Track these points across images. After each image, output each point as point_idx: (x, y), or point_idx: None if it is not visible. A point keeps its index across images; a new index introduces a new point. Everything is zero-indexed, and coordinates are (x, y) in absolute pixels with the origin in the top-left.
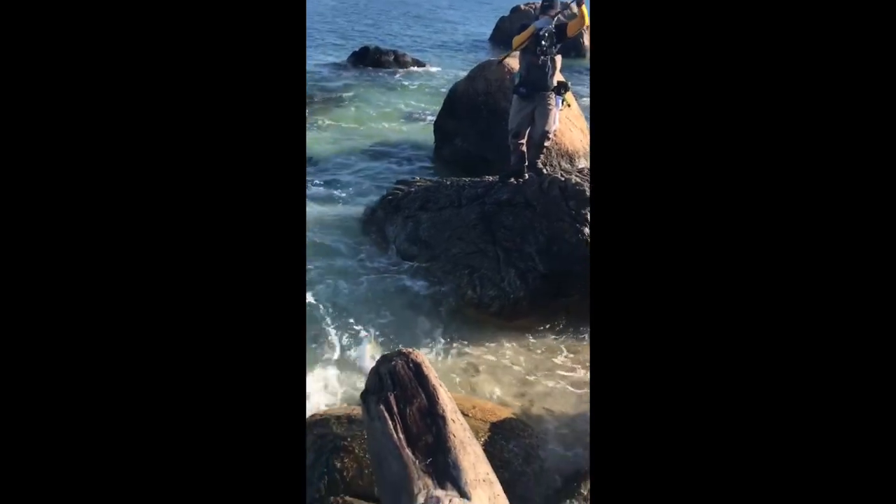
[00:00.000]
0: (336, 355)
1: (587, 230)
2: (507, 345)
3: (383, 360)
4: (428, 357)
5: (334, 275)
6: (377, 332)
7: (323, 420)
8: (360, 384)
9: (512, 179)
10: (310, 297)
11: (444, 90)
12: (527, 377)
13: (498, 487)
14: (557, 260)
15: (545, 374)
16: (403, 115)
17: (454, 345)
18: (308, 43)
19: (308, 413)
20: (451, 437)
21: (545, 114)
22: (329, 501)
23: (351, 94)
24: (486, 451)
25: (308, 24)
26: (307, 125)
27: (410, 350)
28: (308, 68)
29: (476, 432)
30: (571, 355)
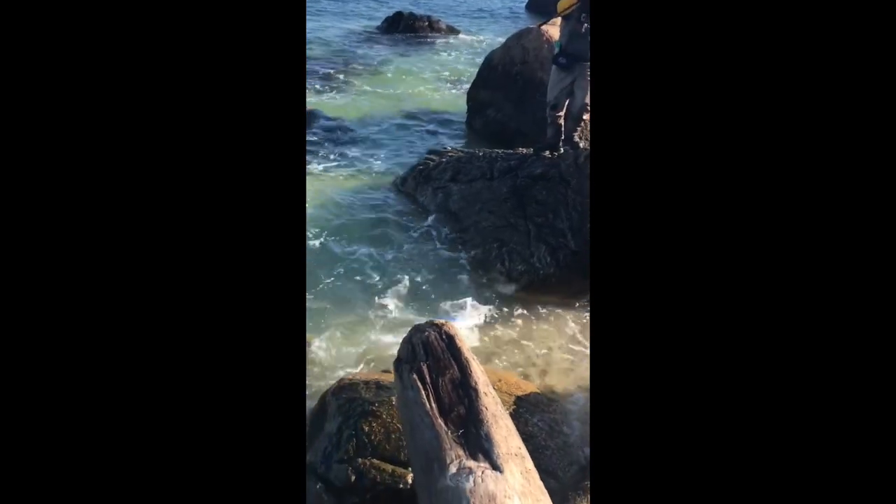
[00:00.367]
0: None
1: None
2: (535, 319)
3: (416, 330)
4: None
5: (367, 241)
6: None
7: (352, 385)
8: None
9: (547, 153)
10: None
11: (479, 59)
12: (552, 353)
13: (529, 462)
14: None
15: (570, 351)
16: (437, 82)
17: (482, 316)
18: (340, 8)
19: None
20: (484, 409)
21: (586, 85)
22: (357, 463)
23: (383, 60)
24: None
25: None
26: (339, 91)
27: (443, 321)
28: (340, 34)
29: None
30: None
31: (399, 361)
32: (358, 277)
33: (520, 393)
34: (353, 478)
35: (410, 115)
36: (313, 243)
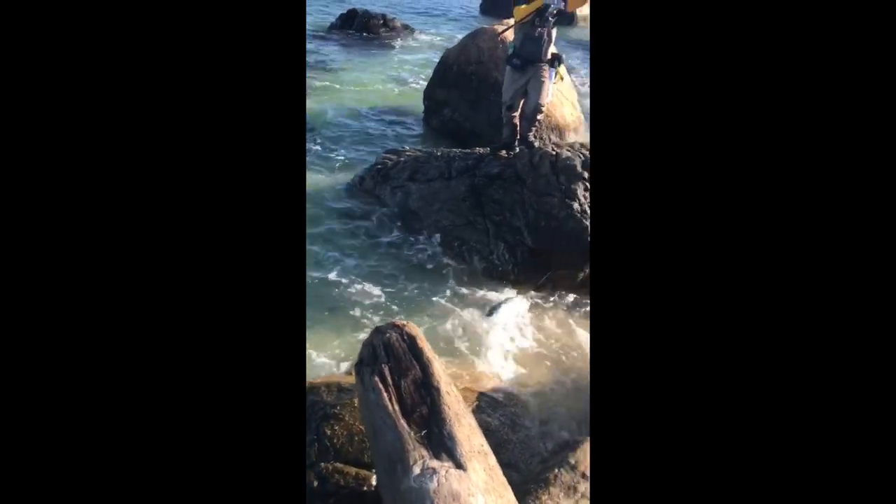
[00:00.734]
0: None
1: (576, 205)
2: (496, 314)
3: (377, 332)
4: (419, 323)
5: (324, 241)
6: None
7: (313, 388)
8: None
9: (503, 152)
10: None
11: (434, 58)
12: (514, 346)
13: (493, 459)
14: (546, 234)
15: (531, 343)
16: (392, 81)
17: (444, 312)
18: None
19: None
20: (446, 408)
21: (539, 86)
22: (319, 468)
23: (338, 58)
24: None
25: None
26: None
27: (405, 322)
28: None
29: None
30: (558, 331)
31: (360, 364)
32: (315, 275)
33: (482, 388)
34: (316, 483)
35: (367, 115)
36: None
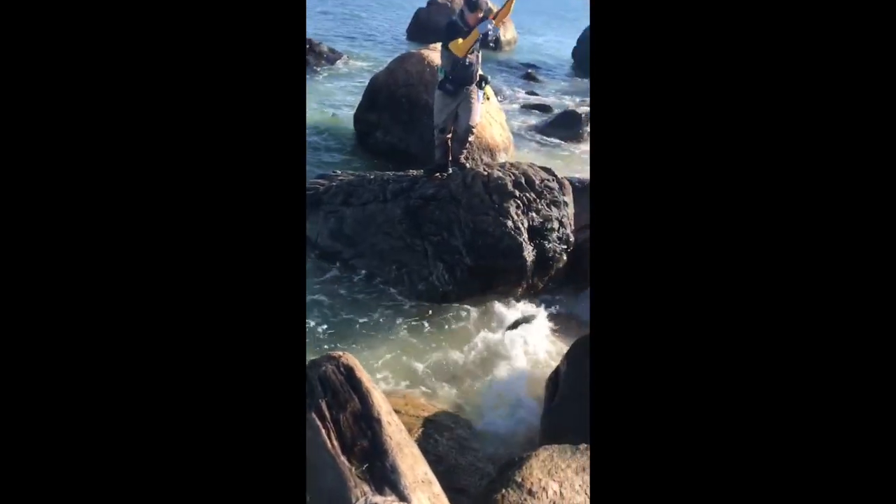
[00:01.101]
0: None
1: (510, 223)
2: (438, 334)
3: (312, 366)
4: (356, 350)
5: None
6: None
7: None
8: None
9: (437, 174)
10: None
11: (362, 82)
12: (458, 366)
13: (437, 487)
14: (483, 252)
15: (475, 362)
16: (321, 105)
17: (383, 338)
18: None
19: None
20: (388, 439)
21: (469, 108)
22: None
23: None
24: (420, 447)
25: None
26: None
27: (340, 354)
28: None
29: (409, 428)
30: (501, 346)
31: None
32: None
33: (427, 413)
34: None
35: None
36: None
